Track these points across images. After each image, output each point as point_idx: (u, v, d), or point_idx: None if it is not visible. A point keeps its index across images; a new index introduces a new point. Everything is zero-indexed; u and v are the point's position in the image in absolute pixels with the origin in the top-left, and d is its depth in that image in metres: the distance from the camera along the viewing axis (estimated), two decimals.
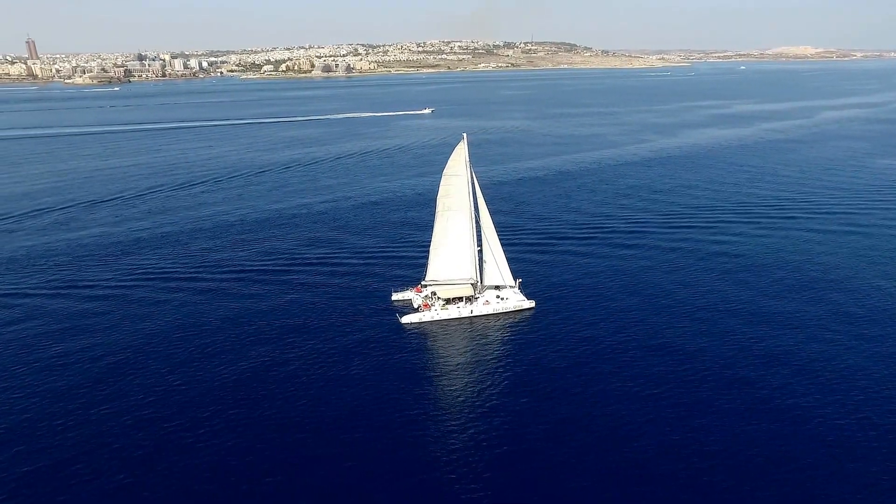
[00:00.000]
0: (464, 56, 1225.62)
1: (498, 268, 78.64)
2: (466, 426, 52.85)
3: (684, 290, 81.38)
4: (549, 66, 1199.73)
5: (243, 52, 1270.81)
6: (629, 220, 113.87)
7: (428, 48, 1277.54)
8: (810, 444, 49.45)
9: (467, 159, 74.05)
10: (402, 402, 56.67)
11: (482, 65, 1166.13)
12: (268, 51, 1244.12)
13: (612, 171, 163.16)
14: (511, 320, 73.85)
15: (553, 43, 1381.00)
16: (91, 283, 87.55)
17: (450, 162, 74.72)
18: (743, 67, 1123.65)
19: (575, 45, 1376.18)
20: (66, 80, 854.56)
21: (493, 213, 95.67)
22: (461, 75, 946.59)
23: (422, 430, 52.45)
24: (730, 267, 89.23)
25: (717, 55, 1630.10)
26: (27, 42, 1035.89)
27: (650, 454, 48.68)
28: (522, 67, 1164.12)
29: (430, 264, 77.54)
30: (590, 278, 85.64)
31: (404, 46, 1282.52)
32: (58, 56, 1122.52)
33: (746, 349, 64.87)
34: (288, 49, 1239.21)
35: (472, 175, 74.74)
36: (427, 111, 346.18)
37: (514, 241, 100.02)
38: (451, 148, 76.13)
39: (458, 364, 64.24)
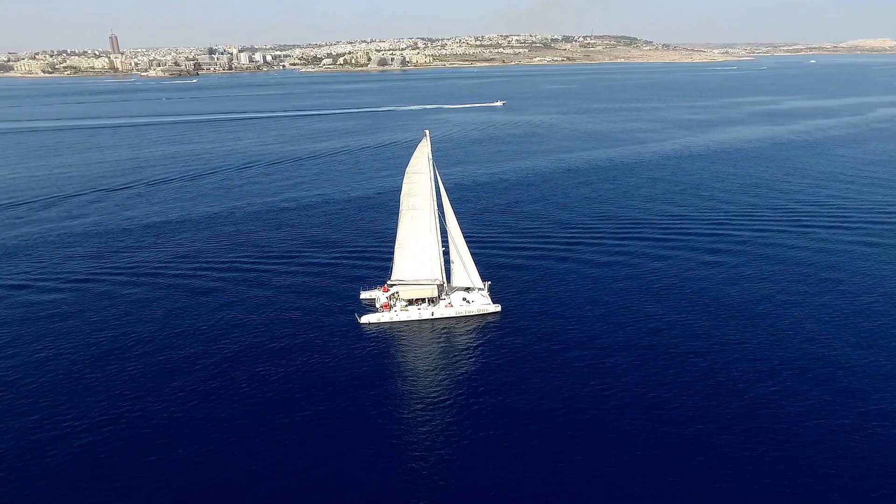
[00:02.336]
0: (520, 50, 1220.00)
1: (465, 269, 76.42)
2: (404, 432, 51.74)
3: (663, 305, 75.45)
4: (606, 60, 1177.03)
5: (308, 45, 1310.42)
6: (622, 224, 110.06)
7: (486, 42, 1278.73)
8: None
9: (430, 157, 73.05)
10: (337, 403, 55.76)
11: (537, 59, 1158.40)
12: (331, 44, 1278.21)
13: (622, 169, 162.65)
14: (474, 324, 71.76)
15: (612, 37, 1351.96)
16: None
17: (412, 160, 73.28)
18: (813, 62, 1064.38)
19: (635, 39, 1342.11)
20: (143, 73, 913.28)
21: (480, 213, 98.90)
22: (513, 69, 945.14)
23: (350, 434, 51.43)
24: (721, 279, 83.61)
25: (786, 49, 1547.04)
26: (110, 38, 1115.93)
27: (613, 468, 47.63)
28: (578, 62, 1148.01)
29: (395, 264, 76.45)
30: (565, 285, 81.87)
31: (462, 40, 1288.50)
32: (138, 50, 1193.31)
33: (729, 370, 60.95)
34: (350, 43, 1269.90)
35: (435, 174, 73.64)
36: (498, 104, 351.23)
37: (495, 242, 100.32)
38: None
39: (407, 367, 62.82)
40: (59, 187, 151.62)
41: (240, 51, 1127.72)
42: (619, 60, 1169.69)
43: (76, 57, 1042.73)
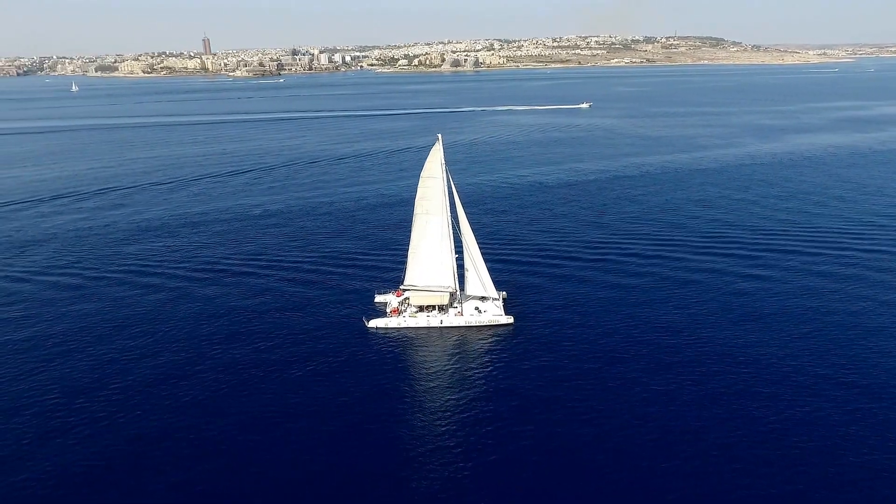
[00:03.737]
0: (598, 51, 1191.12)
1: (479, 278, 74.00)
2: (397, 440, 50.71)
3: (693, 332, 68.68)
4: (689, 62, 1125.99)
5: (387, 47, 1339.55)
6: (658, 238, 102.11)
7: (563, 43, 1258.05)
8: None
9: (443, 161, 72.11)
10: (329, 408, 55.16)
11: (615, 60, 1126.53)
12: (409, 46, 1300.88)
13: (673, 177, 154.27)
14: (483, 335, 68.97)
15: (697, 37, 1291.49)
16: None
17: (426, 164, 72.55)
18: None
19: (722, 40, 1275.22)
20: (230, 73, 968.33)
21: (507, 219, 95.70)
22: (588, 71, 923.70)
23: (343, 440, 50.73)
24: (760, 299, 76.57)
25: (893, 50, 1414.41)
26: (203, 40, 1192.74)
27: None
28: (658, 63, 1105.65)
29: (408, 268, 75.71)
30: (585, 302, 76.54)
31: (539, 41, 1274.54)
32: (229, 52, 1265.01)
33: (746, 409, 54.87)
34: (427, 44, 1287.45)
35: (449, 179, 72.47)
36: (585, 105, 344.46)
37: (518, 250, 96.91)
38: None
39: (406, 375, 61.28)
40: (120, 180, 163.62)
41: (320, 52, 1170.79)
42: (702, 62, 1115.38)
43: (173, 58, 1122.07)
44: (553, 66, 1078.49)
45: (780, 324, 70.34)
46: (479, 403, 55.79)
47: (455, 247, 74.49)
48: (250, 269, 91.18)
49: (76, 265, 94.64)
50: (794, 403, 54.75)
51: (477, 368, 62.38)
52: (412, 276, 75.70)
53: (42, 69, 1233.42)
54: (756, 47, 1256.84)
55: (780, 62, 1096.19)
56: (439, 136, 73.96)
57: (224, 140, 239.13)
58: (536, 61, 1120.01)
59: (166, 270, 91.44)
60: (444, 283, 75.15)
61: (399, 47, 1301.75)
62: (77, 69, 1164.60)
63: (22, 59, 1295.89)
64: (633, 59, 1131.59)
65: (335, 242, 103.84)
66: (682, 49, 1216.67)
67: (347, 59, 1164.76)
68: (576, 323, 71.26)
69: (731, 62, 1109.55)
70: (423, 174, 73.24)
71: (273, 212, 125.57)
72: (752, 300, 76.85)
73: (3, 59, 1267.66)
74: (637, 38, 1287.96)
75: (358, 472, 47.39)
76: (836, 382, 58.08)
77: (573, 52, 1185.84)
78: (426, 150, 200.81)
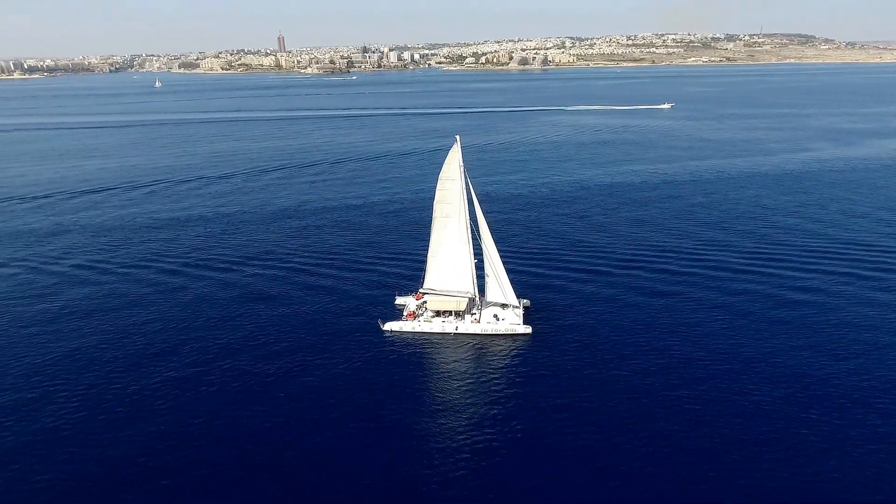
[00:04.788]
0: (675, 49, 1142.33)
1: (499, 284, 71.60)
2: (399, 447, 49.96)
3: (726, 351, 63.33)
4: (774, 61, 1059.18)
5: (457, 44, 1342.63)
6: (698, 248, 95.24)
7: (638, 41, 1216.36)
8: None
9: (461, 163, 70.02)
10: (334, 409, 54.95)
11: (692, 59, 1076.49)
12: (478, 44, 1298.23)
13: (727, 183, 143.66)
14: (499, 344, 66.54)
15: (784, 35, 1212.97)
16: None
17: (445, 165, 70.81)
18: None
19: (812, 37, 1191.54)
20: (302, 70, 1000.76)
21: (538, 223, 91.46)
22: (661, 70, 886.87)
23: (346, 441, 50.55)
24: (803, 322, 69.81)
25: None
26: (278, 38, 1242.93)
27: None
28: (739, 62, 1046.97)
29: (427, 272, 74.60)
30: (612, 314, 72.38)
31: (612, 39, 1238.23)
32: (303, 49, 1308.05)
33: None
34: (497, 42, 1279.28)
35: (467, 181, 70.17)
36: (666, 106, 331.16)
37: (545, 256, 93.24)
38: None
39: (415, 381, 59.72)
40: (173, 173, 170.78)
41: (390, 49, 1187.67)
42: (788, 61, 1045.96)
43: (251, 56, 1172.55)
44: (625, 64, 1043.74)
45: (820, 353, 62.43)
46: (481, 415, 53.63)
47: (475, 251, 72.31)
48: (268, 265, 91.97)
49: (85, 256, 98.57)
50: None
51: (485, 379, 59.81)
52: (431, 279, 74.28)
53: (132, 66, 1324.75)
54: (851, 44, 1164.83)
55: (878, 60, 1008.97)
56: (457, 137, 71.43)
57: (278, 136, 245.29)
58: (608, 60, 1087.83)
59: (199, 263, 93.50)
60: (462, 288, 73.29)
61: (468, 45, 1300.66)
62: (162, 66, 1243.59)
63: (115, 57, 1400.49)
64: (712, 58, 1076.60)
65: (362, 241, 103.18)
66: (767, 47, 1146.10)
67: (416, 56, 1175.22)
68: (598, 341, 66.41)
69: (820, 60, 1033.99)
70: (441, 176, 71.36)
71: (307, 208, 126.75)
72: (792, 328, 68.68)
73: (97, 58, 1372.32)
74: (718, 35, 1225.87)
75: (353, 473, 46.99)
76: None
77: (647, 50, 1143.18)
78: (473, 149, 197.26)
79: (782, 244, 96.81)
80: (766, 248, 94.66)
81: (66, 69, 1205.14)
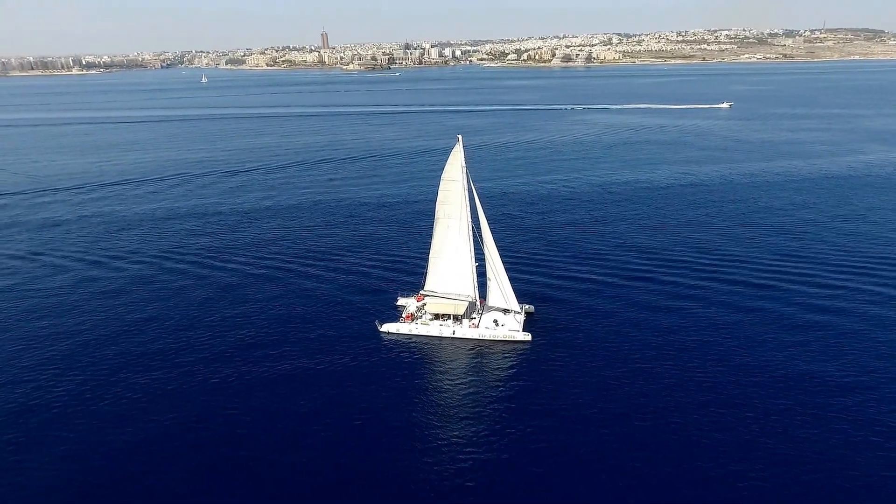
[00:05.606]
0: (727, 46, 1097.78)
1: (500, 288, 69.01)
2: (381, 449, 49.04)
3: (738, 377, 58.40)
4: (836, 57, 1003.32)
5: (500, 41, 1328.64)
6: (716, 259, 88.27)
7: (689, 37, 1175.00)
8: None
9: (463, 164, 67.55)
10: (318, 406, 54.45)
11: (745, 56, 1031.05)
12: (522, 40, 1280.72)
13: (761, 189, 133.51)
14: (494, 351, 64.22)
15: (849, 30, 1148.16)
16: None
17: (447, 166, 68.71)
18: None
19: (881, 32, 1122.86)
20: (344, 67, 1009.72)
21: (549, 228, 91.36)
22: (711, 68, 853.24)
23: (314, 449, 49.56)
24: (819, 345, 63.72)
25: None
26: (322, 34, 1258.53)
27: None
28: (797, 59, 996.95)
29: (428, 273, 72.98)
30: (616, 326, 68.42)
31: (661, 35, 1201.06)
32: (347, 46, 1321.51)
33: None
34: (541, 39, 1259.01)
35: (469, 182, 67.76)
36: (725, 105, 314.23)
37: (559, 264, 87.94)
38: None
39: (405, 385, 57.98)
40: (189, 167, 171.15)
41: (431, 46, 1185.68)
42: (852, 58, 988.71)
43: (294, 52, 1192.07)
44: (673, 61, 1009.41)
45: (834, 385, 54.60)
46: (464, 424, 51.48)
47: (477, 254, 69.89)
48: (274, 261, 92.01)
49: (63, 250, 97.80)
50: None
51: (473, 389, 57.04)
52: (432, 281, 72.85)
53: (182, 62, 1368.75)
54: None
55: None
56: (459, 136, 68.63)
57: (307, 132, 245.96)
58: (655, 57, 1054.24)
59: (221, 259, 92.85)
60: (462, 291, 71.36)
61: (512, 42, 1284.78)
62: (210, 62, 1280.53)
63: (167, 54, 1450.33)
64: (767, 55, 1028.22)
65: (369, 239, 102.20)
66: (829, 43, 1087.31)
67: (458, 53, 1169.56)
68: (600, 356, 62.24)
69: (889, 57, 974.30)
70: (443, 177, 69.18)
71: (317, 205, 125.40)
72: (813, 356, 61.31)
73: (150, 54, 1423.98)
74: (776, 31, 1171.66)
75: (338, 475, 46.42)
76: None
77: (698, 47, 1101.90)
78: (497, 149, 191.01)
79: (812, 259, 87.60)
80: (794, 267, 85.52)
81: (121, 65, 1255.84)
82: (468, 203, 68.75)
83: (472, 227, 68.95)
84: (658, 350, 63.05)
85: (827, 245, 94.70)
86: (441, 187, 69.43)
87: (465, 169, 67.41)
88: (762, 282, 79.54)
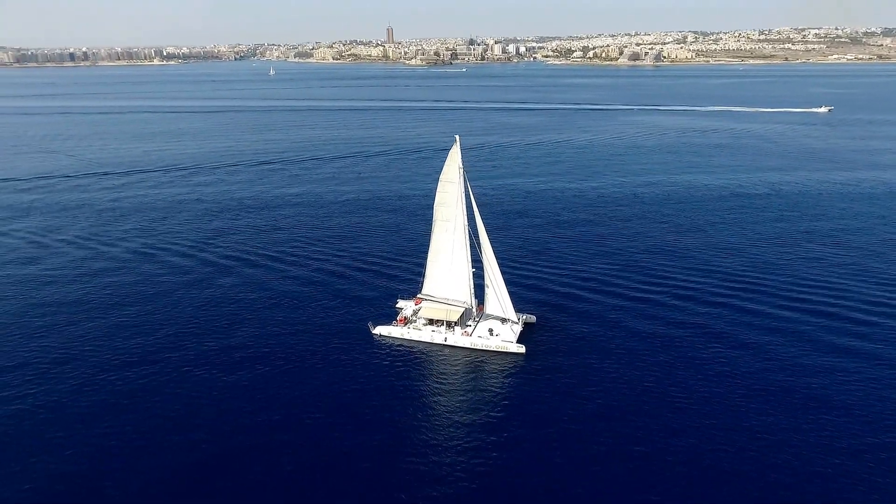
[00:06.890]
0: (815, 46, 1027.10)
1: (498, 297, 67.06)
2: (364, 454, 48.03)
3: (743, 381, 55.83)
4: None
5: (567, 38, 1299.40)
6: (738, 279, 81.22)
7: (772, 36, 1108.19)
8: None
9: (460, 165, 65.54)
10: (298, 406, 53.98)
11: (833, 56, 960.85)
12: (591, 37, 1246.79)
13: (810, 201, 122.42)
14: (485, 362, 61.85)
15: None
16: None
17: (445, 167, 67.12)
18: None
19: None
20: (407, 62, 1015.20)
21: (559, 233, 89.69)
22: (793, 69, 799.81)
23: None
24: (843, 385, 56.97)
25: None
26: (387, 29, 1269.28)
27: None
28: (893, 60, 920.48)
29: (426, 277, 71.65)
30: (618, 343, 64.87)
31: (741, 34, 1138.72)
32: (411, 41, 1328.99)
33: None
34: (611, 36, 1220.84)
35: (466, 185, 65.85)
36: (823, 110, 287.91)
37: (568, 274, 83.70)
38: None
39: (391, 391, 56.75)
40: (208, 158, 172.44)
41: (495, 42, 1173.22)
42: None
43: (360, 46, 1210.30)
44: (751, 61, 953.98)
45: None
46: (440, 438, 49.43)
47: (475, 260, 68.43)
48: (278, 259, 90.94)
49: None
50: None
51: (458, 401, 54.71)
52: (429, 285, 71.65)
53: (255, 55, 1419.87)
54: None
55: None
56: (457, 137, 66.41)
57: (353, 126, 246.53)
58: (732, 56, 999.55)
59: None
60: (458, 297, 69.69)
61: (579, 38, 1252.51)
62: (280, 55, 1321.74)
63: (241, 46, 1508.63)
64: (860, 56, 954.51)
65: (376, 240, 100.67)
66: None
67: (522, 49, 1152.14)
68: (599, 375, 58.52)
69: None
70: (440, 178, 67.56)
71: (342, 201, 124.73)
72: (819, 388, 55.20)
73: (226, 46, 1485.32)
74: (873, 30, 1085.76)
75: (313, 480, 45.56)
76: None
77: (781, 46, 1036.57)
78: (535, 147, 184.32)
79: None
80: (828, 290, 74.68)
81: (198, 56, 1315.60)
82: (464, 206, 66.96)
83: (469, 231, 67.08)
84: (654, 372, 58.03)
85: None
86: (438, 188, 68.12)
87: (462, 170, 65.55)
88: (783, 307, 70.90)
